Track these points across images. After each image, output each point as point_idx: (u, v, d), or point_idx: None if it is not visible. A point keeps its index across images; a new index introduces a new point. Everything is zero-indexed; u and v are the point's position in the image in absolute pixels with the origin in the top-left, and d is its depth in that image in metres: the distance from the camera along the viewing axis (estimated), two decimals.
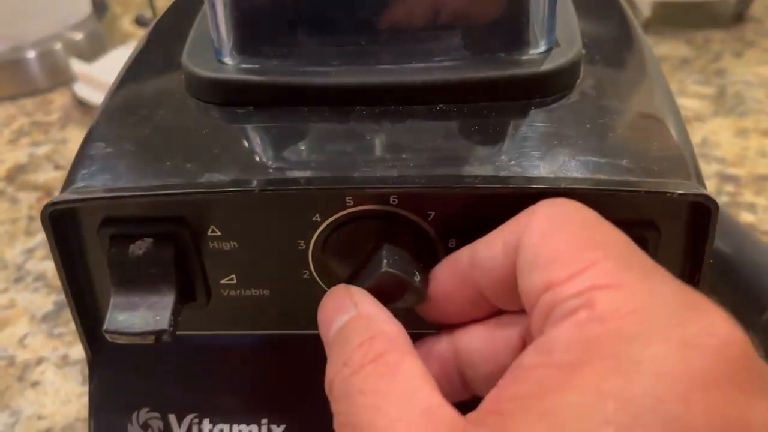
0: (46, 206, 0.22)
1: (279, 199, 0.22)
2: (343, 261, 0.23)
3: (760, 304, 0.38)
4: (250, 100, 0.25)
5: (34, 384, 0.41)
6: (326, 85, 0.24)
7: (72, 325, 0.44)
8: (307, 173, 0.22)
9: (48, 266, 0.49)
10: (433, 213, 0.22)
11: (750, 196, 0.52)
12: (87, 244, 0.24)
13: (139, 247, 0.23)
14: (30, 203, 0.55)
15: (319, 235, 0.23)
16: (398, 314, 0.21)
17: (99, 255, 0.24)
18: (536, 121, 0.24)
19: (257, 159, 0.23)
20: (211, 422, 0.25)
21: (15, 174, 0.58)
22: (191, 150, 0.24)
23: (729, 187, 0.53)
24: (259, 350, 0.26)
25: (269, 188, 0.21)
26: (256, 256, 0.24)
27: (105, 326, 0.22)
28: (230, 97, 0.25)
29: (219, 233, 0.23)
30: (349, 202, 0.22)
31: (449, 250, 0.23)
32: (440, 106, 0.24)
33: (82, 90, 0.64)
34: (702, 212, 0.21)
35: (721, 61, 0.68)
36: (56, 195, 0.23)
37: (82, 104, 0.66)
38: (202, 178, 0.22)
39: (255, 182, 0.22)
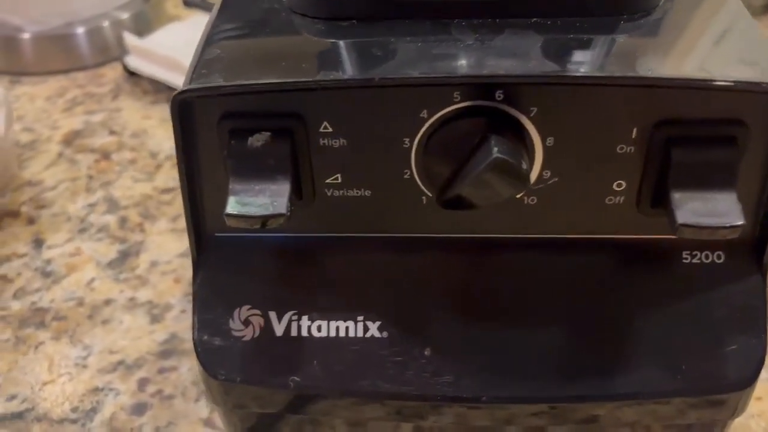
0: (176, 95, 0.24)
1: (390, 95, 0.24)
2: (445, 159, 0.24)
3: None
4: (352, 13, 0.26)
5: (104, 322, 0.43)
6: None
7: (137, 271, 0.46)
8: (417, 72, 0.24)
9: (110, 219, 0.51)
10: (536, 109, 0.24)
11: None
12: (202, 141, 0.25)
13: (257, 140, 0.24)
14: (88, 164, 0.57)
15: (424, 131, 0.24)
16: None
17: (211, 153, 0.26)
18: (626, 33, 0.25)
19: (367, 60, 0.25)
20: (309, 319, 0.27)
21: (72, 138, 0.60)
22: (303, 54, 0.25)
23: None
24: (357, 251, 0.27)
25: (388, 78, 0.23)
26: (361, 155, 0.25)
27: (226, 210, 0.24)
28: (333, 11, 0.27)
29: (331, 129, 0.25)
30: (456, 98, 0.24)
31: (547, 149, 0.25)
32: (535, 19, 0.26)
33: (134, 62, 0.66)
34: None
35: None
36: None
37: (132, 77, 0.67)
38: (318, 75, 0.24)
39: (372, 76, 0.23)
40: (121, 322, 0.43)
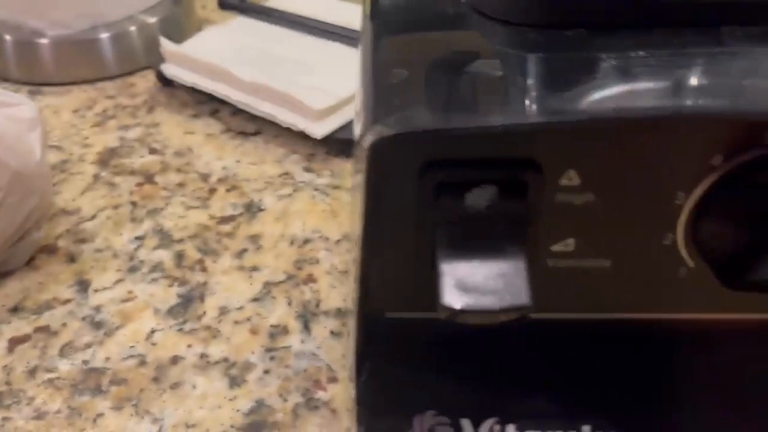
0: (375, 141, 0.17)
1: (671, 135, 0.17)
2: (739, 222, 0.18)
3: None
4: (581, 19, 0.20)
5: (174, 386, 0.36)
6: None
7: (204, 320, 0.39)
8: (705, 101, 0.17)
9: (163, 255, 0.44)
10: None
11: None
12: (388, 197, 0.19)
13: (481, 197, 0.17)
14: (130, 188, 0.49)
15: (713, 183, 0.18)
16: None
17: (396, 212, 0.19)
18: None
19: (624, 86, 0.18)
20: (517, 428, 0.20)
21: (107, 158, 0.53)
22: (523, 78, 0.19)
23: None
24: (581, 337, 0.20)
25: (679, 111, 0.16)
26: (609, 214, 0.19)
27: (442, 300, 0.17)
28: (555, 16, 0.20)
29: (576, 182, 0.18)
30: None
31: None
32: None
33: (172, 70, 0.59)
34: None
35: None
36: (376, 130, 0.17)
37: (166, 87, 0.60)
38: (565, 108, 0.17)
39: (654, 108, 0.17)
40: (195, 387, 0.36)
